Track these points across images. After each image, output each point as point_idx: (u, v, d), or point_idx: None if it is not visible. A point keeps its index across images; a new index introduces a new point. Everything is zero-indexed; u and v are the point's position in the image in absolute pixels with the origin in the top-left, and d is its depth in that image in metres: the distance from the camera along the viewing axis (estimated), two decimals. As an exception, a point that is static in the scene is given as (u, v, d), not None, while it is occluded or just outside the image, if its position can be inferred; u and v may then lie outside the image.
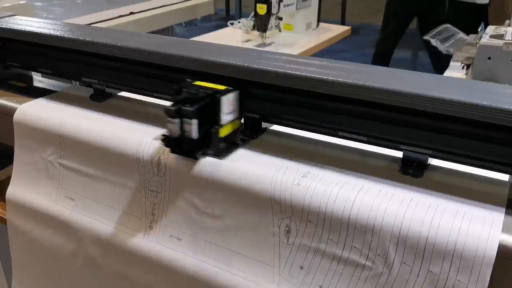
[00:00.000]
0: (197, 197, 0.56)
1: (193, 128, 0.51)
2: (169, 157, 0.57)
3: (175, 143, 0.54)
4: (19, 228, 0.73)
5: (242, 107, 0.58)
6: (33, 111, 0.70)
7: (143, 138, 0.60)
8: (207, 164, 0.55)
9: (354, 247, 0.46)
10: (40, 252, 0.72)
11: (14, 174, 0.72)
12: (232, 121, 0.56)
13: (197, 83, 0.56)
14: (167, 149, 0.55)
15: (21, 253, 0.75)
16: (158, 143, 0.57)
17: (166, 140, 0.54)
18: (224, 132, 0.55)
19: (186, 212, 0.57)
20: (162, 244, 0.58)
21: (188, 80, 0.56)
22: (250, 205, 0.52)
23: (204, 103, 0.52)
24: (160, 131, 0.57)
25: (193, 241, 0.56)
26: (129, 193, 0.61)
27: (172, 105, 0.52)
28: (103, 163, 0.63)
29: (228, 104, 0.55)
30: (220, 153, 0.55)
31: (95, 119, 0.67)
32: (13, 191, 0.72)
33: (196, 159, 0.54)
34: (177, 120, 0.51)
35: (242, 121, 0.60)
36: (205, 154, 0.55)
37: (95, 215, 0.64)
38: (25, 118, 0.70)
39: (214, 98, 0.53)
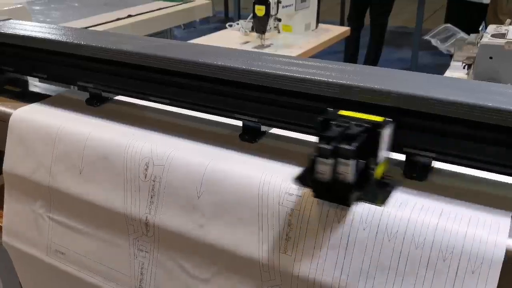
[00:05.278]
0: (185, 259, 0.55)
1: (349, 169, 0.43)
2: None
3: (324, 188, 0.44)
4: (20, 261, 0.72)
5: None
6: (17, 162, 0.67)
7: (131, 196, 0.57)
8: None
9: None
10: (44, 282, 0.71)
11: (5, 222, 0.71)
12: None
13: (344, 113, 0.47)
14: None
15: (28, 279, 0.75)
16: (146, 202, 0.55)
17: (315, 185, 0.45)
18: (379, 171, 0.47)
19: (174, 273, 0.56)
20: None
21: (331, 109, 0.48)
22: (237, 270, 0.51)
23: (363, 140, 0.44)
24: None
25: None
26: (118, 251, 0.60)
27: (324, 142, 0.43)
28: (92, 218, 0.62)
29: (386, 139, 0.47)
30: (375, 198, 0.46)
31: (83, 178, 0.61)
32: (7, 238, 0.71)
33: (349, 206, 0.45)
34: (330, 161, 0.43)
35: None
36: (360, 200, 0.46)
37: (86, 270, 0.63)
38: (12, 172, 0.68)
39: (373, 133, 0.45)
